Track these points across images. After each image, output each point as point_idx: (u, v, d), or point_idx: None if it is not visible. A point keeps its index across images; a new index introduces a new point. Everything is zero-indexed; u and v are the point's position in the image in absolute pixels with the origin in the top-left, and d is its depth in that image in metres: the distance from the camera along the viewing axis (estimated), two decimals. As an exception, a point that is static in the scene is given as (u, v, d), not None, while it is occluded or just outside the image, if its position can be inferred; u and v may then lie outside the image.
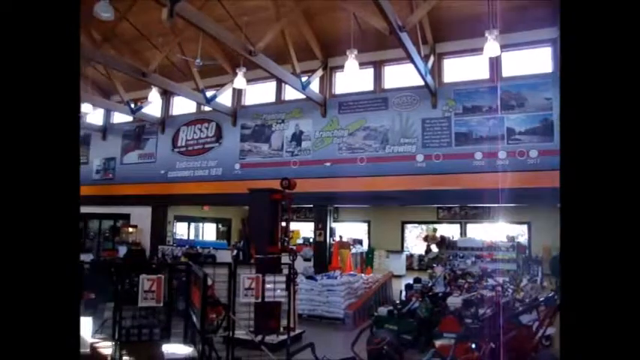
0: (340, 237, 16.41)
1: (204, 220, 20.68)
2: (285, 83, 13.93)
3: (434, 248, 14.75)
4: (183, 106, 18.22)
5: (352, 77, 14.21)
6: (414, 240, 21.12)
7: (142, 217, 18.22)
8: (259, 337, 5.79)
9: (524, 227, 18.21)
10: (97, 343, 4.75)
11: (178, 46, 14.46)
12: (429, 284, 9.63)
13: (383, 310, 7.83)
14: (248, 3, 13.81)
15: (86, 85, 17.21)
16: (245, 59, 13.70)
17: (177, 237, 18.71)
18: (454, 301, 7.29)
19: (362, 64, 12.53)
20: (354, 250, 15.31)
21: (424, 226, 21.22)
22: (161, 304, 4.91)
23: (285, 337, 6.33)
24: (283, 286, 5.64)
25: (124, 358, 4.91)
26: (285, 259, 7.82)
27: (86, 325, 4.55)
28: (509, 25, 11.70)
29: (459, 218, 19.43)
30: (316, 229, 14.47)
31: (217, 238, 20.55)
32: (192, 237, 19.56)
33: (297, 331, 8.23)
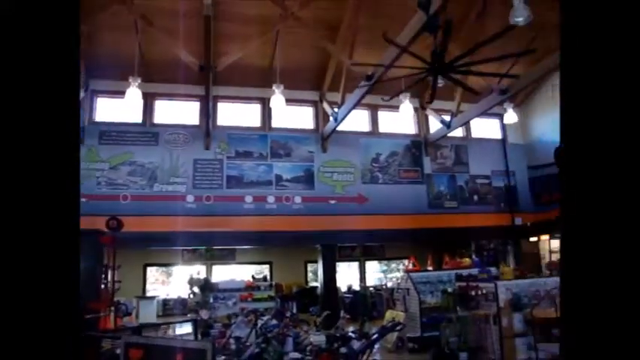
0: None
1: None
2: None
3: (196, 290, 14.32)
4: None
5: (120, 106, 13.07)
6: (153, 284, 19.91)
7: None
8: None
9: (266, 267, 19.34)
10: None
11: None
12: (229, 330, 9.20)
13: None
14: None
15: None
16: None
17: None
18: (317, 338, 7.40)
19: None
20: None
21: (163, 269, 20.33)
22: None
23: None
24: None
25: None
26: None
27: None
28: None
29: (203, 260, 19.25)
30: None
31: None
32: None
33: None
